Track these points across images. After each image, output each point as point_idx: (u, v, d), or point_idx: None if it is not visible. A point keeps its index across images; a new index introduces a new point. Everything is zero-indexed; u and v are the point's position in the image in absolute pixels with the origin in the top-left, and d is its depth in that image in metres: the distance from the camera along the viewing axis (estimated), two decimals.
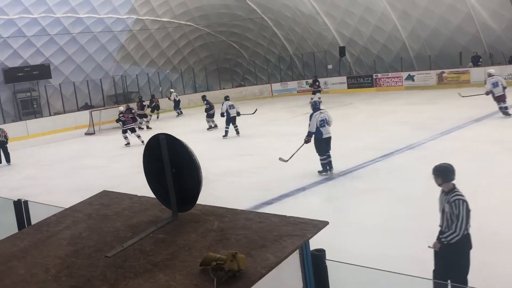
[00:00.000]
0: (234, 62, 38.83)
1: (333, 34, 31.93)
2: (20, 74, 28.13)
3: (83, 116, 26.10)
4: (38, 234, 3.30)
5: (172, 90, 30.64)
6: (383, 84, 29.86)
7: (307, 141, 11.38)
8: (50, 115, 28.37)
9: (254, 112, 20.11)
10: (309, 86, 28.63)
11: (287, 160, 11.88)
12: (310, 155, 13.47)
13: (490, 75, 16.21)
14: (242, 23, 34.96)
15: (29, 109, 28.77)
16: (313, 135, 11.26)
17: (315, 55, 34.02)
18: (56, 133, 23.84)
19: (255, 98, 34.11)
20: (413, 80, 28.66)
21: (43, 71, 28.94)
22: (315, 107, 11.62)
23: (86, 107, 29.37)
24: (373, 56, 31.11)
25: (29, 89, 28.81)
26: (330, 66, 33.48)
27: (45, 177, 14.78)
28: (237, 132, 18.57)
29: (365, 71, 32.03)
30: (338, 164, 11.95)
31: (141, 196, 3.59)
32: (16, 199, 5.13)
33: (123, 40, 32.41)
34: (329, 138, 11.44)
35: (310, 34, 33.38)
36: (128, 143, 18.86)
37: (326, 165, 11.34)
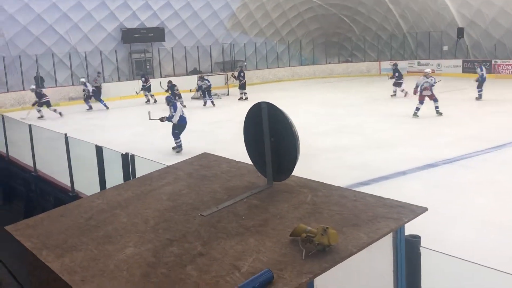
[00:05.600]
0: (343, 37, 37.98)
1: (453, 15, 30.06)
2: (136, 36, 29.66)
3: (192, 80, 27.01)
4: (141, 187, 3.49)
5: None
6: (502, 71, 27.78)
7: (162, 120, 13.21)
8: (160, 76, 29.72)
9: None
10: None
11: (151, 119, 13.31)
12: (415, 141, 13.02)
13: None
14: None
15: (142, 69, 30.32)
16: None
17: (430, 35, 32.32)
18: (165, 94, 24.88)
19: (361, 75, 33.30)
20: None
21: (157, 34, 30.28)
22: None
23: (195, 72, 30.34)
24: (494, 41, 28.93)
25: (144, 51, 30.33)
26: (445, 48, 31.69)
27: (151, 135, 15.58)
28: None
29: (484, 55, 29.94)
30: (445, 151, 11.41)
31: (238, 161, 3.66)
32: (124, 153, 5.45)
33: (235, 8, 32.88)
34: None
35: (428, 12, 31.68)
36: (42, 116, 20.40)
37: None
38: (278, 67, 34.26)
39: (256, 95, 24.30)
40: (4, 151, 10.27)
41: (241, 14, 33.51)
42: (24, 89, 24.52)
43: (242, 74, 24.55)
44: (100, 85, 25.91)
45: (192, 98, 24.69)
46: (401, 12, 33.67)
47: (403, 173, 10.10)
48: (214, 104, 22.08)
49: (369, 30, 36.48)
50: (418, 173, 10.12)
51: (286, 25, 36.24)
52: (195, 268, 2.35)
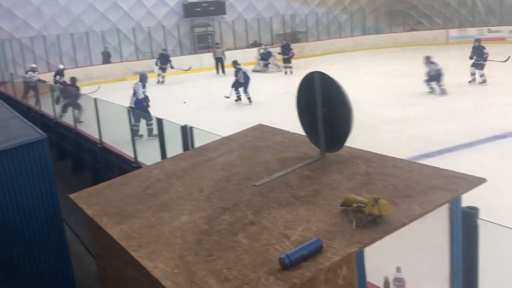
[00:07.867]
0: (408, 4, 36.53)
1: None
2: (197, 9, 29.94)
3: (252, 53, 27.01)
4: (196, 157, 3.58)
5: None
6: None
7: None
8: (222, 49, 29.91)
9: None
10: None
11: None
12: (483, 111, 12.46)
13: None
14: None
15: (203, 43, 30.64)
16: None
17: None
18: (227, 67, 25.05)
19: (427, 44, 32.00)
20: None
21: (218, 7, 30.42)
22: None
23: (255, 44, 30.31)
24: None
25: (205, 24, 30.60)
26: None
27: (213, 108, 15.81)
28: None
29: None
30: None
31: (292, 132, 3.66)
32: (183, 125, 5.59)
33: None
34: None
35: None
36: None
37: None
38: (340, 37, 33.58)
39: (316, 66, 23.98)
40: (72, 124, 10.78)
41: None
42: (91, 65, 25.50)
43: (289, 48, 23.83)
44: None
45: (253, 71, 24.74)
46: None
47: (469, 145, 9.74)
48: (251, 101, 16.28)
49: None
50: (484, 145, 9.73)
51: None
52: (246, 236, 2.39)
